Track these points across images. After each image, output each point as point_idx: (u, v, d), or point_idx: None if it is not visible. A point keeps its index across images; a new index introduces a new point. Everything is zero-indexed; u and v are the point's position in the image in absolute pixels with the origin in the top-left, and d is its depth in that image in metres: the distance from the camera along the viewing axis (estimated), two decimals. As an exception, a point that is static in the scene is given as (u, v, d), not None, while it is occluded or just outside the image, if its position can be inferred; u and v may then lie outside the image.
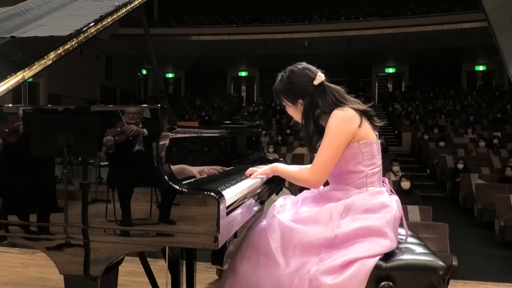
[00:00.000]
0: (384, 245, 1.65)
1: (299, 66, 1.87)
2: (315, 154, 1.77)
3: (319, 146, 1.76)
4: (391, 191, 1.86)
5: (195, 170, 1.75)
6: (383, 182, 1.86)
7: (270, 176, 2.02)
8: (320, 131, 1.79)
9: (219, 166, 2.03)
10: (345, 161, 1.75)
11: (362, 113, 1.78)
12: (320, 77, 1.82)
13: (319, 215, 1.70)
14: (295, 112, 1.90)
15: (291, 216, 1.77)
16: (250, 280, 1.69)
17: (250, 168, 1.97)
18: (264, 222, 1.79)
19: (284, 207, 1.87)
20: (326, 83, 1.84)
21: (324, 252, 1.64)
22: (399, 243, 1.80)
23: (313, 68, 1.86)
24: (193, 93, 21.65)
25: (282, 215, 1.78)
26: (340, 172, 1.79)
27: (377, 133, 1.82)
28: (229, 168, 2.09)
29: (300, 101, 1.84)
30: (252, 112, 18.28)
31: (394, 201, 1.79)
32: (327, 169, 1.74)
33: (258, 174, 1.92)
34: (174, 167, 1.48)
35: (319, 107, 1.80)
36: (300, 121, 1.89)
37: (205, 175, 1.84)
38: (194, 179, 1.71)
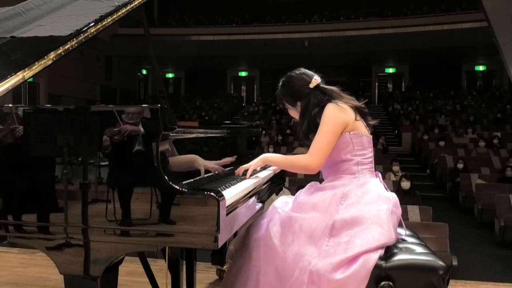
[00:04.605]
0: (382, 234, 1.66)
1: (297, 72, 2.00)
2: (307, 149, 1.87)
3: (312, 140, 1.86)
4: (385, 188, 1.89)
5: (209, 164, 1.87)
6: (376, 176, 1.92)
7: (261, 168, 2.06)
8: (316, 128, 1.86)
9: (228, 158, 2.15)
10: (337, 150, 1.85)
11: (357, 110, 1.90)
12: (316, 80, 1.94)
13: (318, 202, 1.78)
14: (296, 114, 2.03)
15: (291, 207, 1.85)
16: (251, 274, 1.71)
17: (242, 167, 1.97)
18: (265, 219, 1.83)
19: (286, 204, 1.92)
20: (322, 85, 1.95)
21: (323, 241, 1.66)
22: (399, 242, 1.81)
23: (310, 72, 1.99)
24: (193, 93, 21.64)
25: (283, 209, 1.83)
26: (333, 163, 1.88)
27: (369, 130, 1.93)
28: (229, 168, 2.09)
29: (299, 103, 1.96)
30: (252, 112, 18.27)
31: (391, 196, 1.83)
32: (324, 154, 1.82)
33: (250, 170, 1.93)
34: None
35: (316, 106, 1.89)
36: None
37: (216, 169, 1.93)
38: (194, 179, 1.71)
